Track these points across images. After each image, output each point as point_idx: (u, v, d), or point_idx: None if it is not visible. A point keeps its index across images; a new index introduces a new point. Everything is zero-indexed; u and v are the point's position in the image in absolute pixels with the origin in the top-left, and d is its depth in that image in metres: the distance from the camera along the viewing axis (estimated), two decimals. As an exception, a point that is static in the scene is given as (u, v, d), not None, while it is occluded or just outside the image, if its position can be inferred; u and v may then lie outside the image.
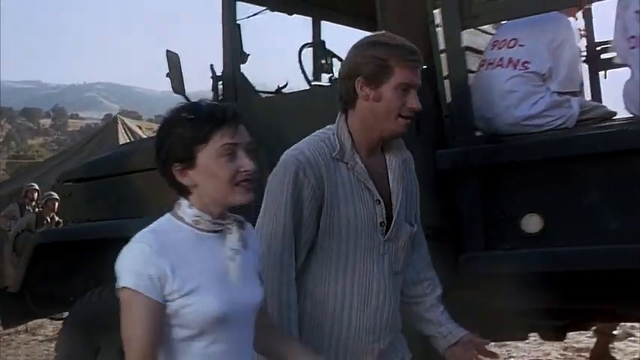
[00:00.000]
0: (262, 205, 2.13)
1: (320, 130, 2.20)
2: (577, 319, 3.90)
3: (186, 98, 3.98)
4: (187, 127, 1.72)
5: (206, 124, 1.72)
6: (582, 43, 3.82)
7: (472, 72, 3.34)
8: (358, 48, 2.14)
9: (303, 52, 4.21)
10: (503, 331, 3.41)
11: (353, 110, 2.13)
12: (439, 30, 3.13)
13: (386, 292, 2.16)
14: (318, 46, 4.57)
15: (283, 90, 4.33)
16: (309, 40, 4.79)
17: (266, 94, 4.21)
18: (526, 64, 3.12)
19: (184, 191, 1.77)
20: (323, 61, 4.71)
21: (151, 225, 1.76)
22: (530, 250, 2.98)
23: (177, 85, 3.92)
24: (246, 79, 4.05)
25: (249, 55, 4.13)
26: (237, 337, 1.76)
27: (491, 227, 3.04)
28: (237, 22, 4.12)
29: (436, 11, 3.15)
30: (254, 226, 2.01)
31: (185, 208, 1.77)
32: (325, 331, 2.14)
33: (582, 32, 3.98)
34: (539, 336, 4.29)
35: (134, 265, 1.68)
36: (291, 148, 2.15)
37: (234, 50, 4.04)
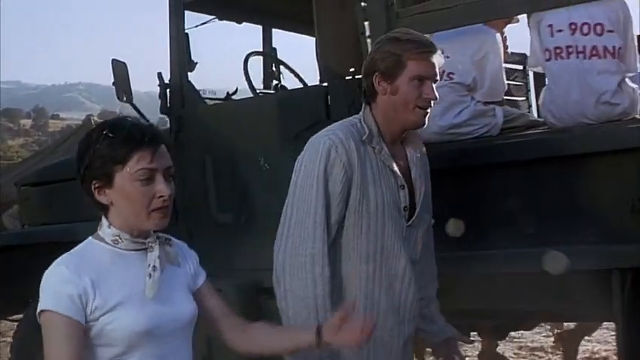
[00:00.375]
0: (292, 183, 2.27)
1: (346, 119, 2.32)
2: (515, 320, 4.05)
3: (134, 106, 4.10)
4: (106, 145, 1.70)
5: (124, 145, 1.70)
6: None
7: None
8: (375, 45, 2.31)
9: (250, 60, 4.30)
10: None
11: (375, 104, 2.25)
12: (369, 41, 3.26)
13: (406, 276, 2.25)
14: (267, 54, 4.68)
15: (234, 97, 4.44)
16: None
17: (212, 102, 4.32)
18: (451, 75, 3.27)
19: (103, 208, 1.76)
20: (274, 69, 4.84)
21: (70, 251, 1.76)
22: (454, 254, 3.10)
23: (123, 94, 4.01)
24: (193, 87, 4.16)
25: (197, 63, 4.24)
26: (167, 352, 1.75)
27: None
28: (186, 31, 4.23)
29: (367, 23, 3.27)
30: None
31: (105, 228, 1.77)
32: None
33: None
34: (477, 334, 4.44)
35: (52, 286, 1.67)
36: (322, 131, 2.27)
37: (181, 59, 4.15)
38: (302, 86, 4.39)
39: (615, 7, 2.99)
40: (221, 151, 3.97)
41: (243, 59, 4.24)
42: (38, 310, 1.67)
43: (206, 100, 4.27)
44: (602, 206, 2.78)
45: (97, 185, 1.73)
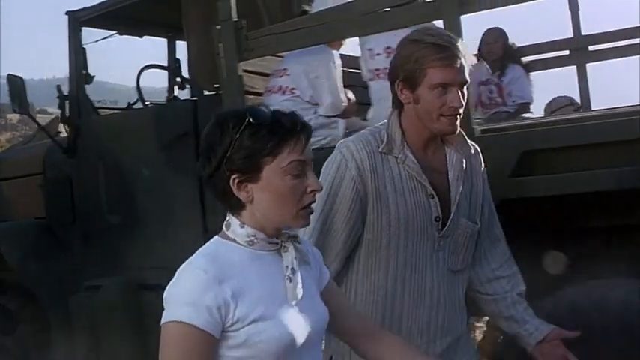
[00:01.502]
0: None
1: (375, 125, 2.17)
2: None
3: (31, 117, 4.43)
4: (249, 134, 1.50)
5: (273, 135, 1.50)
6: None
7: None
8: (398, 48, 2.10)
9: (144, 72, 4.63)
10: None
11: (403, 110, 2.09)
12: (223, 61, 3.59)
13: (441, 289, 2.10)
14: (161, 66, 4.99)
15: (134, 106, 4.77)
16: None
17: (106, 113, 4.65)
18: (293, 90, 3.59)
19: (236, 206, 1.56)
20: (178, 79, 5.15)
21: (200, 249, 1.56)
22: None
23: (21, 107, 4.33)
24: (89, 99, 4.50)
25: (94, 76, 4.58)
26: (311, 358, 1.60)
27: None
28: (83, 46, 4.56)
29: (221, 45, 3.60)
30: None
31: (236, 228, 1.56)
32: (378, 323, 2.04)
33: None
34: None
35: (189, 294, 1.44)
36: (341, 141, 2.15)
37: (79, 72, 4.48)
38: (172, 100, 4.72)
39: None
40: (111, 158, 4.30)
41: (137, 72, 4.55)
42: (168, 319, 1.44)
43: (101, 111, 4.60)
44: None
45: (238, 179, 1.51)
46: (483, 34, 4.90)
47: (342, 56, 3.79)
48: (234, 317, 1.46)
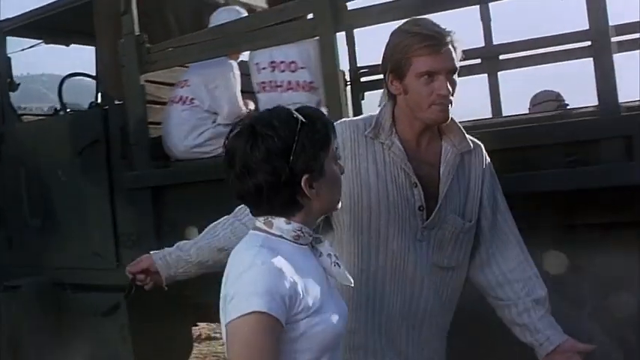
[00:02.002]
0: None
1: (370, 113, 2.19)
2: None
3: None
4: (306, 133, 1.54)
5: (325, 128, 1.59)
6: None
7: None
8: (388, 40, 2.07)
9: (66, 81, 4.80)
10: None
11: (395, 102, 2.08)
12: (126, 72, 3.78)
13: (424, 281, 2.08)
14: (83, 74, 5.15)
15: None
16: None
17: (29, 120, 4.82)
18: (193, 101, 3.78)
19: (294, 209, 1.58)
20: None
21: (252, 246, 1.55)
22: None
23: None
24: (12, 106, 4.67)
25: (19, 84, 4.75)
26: (337, 355, 1.62)
27: (162, 237, 3.70)
28: (9, 55, 4.73)
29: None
30: None
31: (281, 225, 1.58)
32: (361, 306, 2.08)
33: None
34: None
35: (264, 285, 1.44)
36: None
37: (3, 80, 4.65)
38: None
39: (307, 47, 3.48)
40: (32, 163, 4.47)
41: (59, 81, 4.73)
42: (244, 312, 1.42)
43: (25, 118, 4.77)
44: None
45: (309, 179, 1.55)
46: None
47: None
48: (300, 307, 1.47)
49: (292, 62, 3.48)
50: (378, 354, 2.10)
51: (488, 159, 2.19)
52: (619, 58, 2.60)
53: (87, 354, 4.07)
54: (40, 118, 5.00)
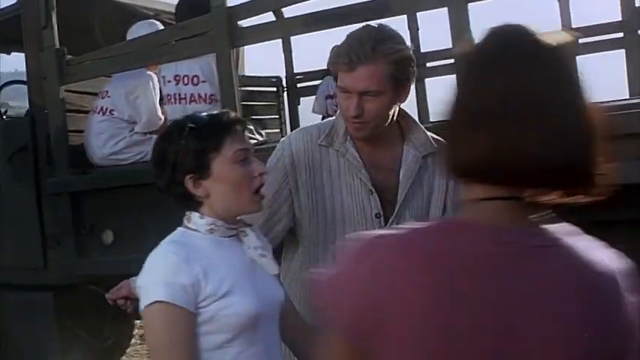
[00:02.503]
0: None
1: (326, 120, 2.18)
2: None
3: None
4: (193, 137, 1.64)
5: (215, 132, 1.66)
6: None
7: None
8: None
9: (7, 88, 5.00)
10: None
11: None
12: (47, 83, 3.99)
13: None
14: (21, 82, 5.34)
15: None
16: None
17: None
18: (112, 112, 3.99)
19: (194, 204, 1.69)
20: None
21: (166, 239, 1.67)
22: (107, 258, 3.87)
23: None
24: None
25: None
26: (269, 337, 1.69)
27: (81, 239, 3.92)
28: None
29: (48, 69, 3.99)
30: None
31: (196, 220, 1.69)
32: None
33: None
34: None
35: (164, 276, 1.57)
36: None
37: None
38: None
39: (208, 62, 3.69)
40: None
41: None
42: (148, 301, 1.56)
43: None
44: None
45: (192, 178, 1.65)
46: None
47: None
48: (205, 294, 1.57)
49: (195, 76, 3.71)
50: None
51: None
52: None
53: (16, 352, 4.29)
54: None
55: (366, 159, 2.01)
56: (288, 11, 3.72)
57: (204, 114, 1.72)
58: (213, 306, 1.58)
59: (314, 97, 5.84)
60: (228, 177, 1.65)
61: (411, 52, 1.94)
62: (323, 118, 5.45)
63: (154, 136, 4.02)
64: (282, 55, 5.94)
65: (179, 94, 3.77)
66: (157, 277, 1.57)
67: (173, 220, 1.82)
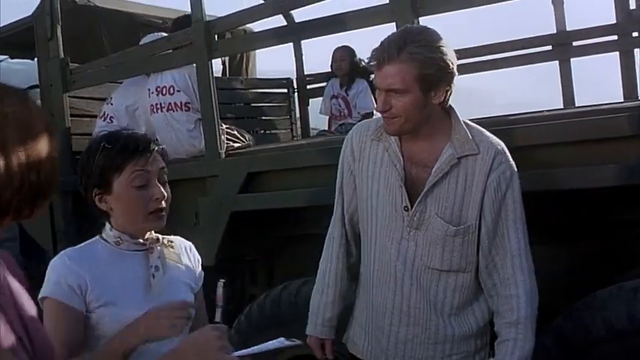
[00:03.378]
0: None
1: None
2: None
3: None
4: (104, 155, 1.78)
5: (120, 154, 1.78)
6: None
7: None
8: None
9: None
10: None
11: None
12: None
13: (412, 280, 2.11)
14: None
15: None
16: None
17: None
18: (112, 119, 4.27)
19: (104, 215, 1.85)
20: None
21: (76, 246, 1.85)
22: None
23: None
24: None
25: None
26: (160, 349, 1.68)
27: (83, 235, 4.20)
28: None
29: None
30: None
31: (107, 231, 1.84)
32: (361, 300, 2.28)
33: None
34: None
35: (54, 275, 1.75)
36: None
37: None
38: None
39: (184, 72, 3.91)
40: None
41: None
42: (40, 296, 1.73)
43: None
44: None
45: (97, 193, 1.81)
46: (334, 53, 5.49)
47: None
48: (90, 299, 1.73)
49: (171, 86, 3.93)
50: (367, 346, 2.25)
51: (508, 167, 2.09)
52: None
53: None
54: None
55: (406, 154, 2.12)
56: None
57: (125, 134, 1.84)
58: (96, 312, 1.74)
59: (320, 98, 6.02)
60: (123, 198, 1.79)
61: (447, 56, 1.99)
62: (329, 119, 5.66)
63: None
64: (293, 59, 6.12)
65: (160, 104, 3.97)
66: (50, 277, 1.76)
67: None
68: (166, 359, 1.63)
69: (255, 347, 1.71)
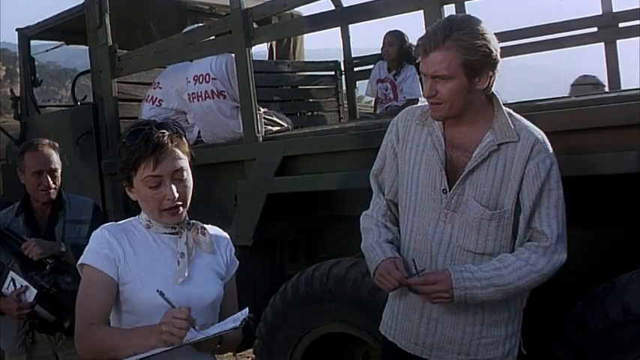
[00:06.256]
0: None
1: None
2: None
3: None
4: (124, 151, 1.89)
5: (133, 154, 1.86)
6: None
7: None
8: None
9: (80, 77, 5.59)
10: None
11: None
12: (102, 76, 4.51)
13: (445, 260, 2.17)
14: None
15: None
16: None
17: (46, 112, 5.64)
18: (160, 101, 4.44)
19: (134, 202, 1.97)
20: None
21: (119, 222, 1.98)
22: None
23: None
24: (34, 100, 5.49)
25: (42, 80, 5.58)
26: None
27: (129, 212, 4.36)
28: (33, 55, 5.55)
29: (104, 64, 4.50)
30: None
31: (142, 214, 1.97)
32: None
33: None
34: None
35: (93, 244, 1.89)
36: None
37: (27, 78, 5.48)
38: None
39: (219, 61, 4.02)
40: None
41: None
42: (78, 262, 1.90)
43: (44, 110, 5.58)
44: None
45: (125, 184, 1.95)
46: (384, 37, 5.53)
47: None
48: (121, 272, 1.86)
49: (207, 74, 4.04)
50: (398, 324, 2.33)
51: (547, 156, 2.12)
52: None
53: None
54: (55, 110, 5.78)
55: (448, 138, 2.19)
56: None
57: (144, 129, 1.89)
58: (124, 287, 1.87)
59: (366, 80, 6.05)
60: (140, 194, 1.91)
61: (490, 43, 2.05)
62: (375, 102, 5.71)
63: (196, 125, 4.44)
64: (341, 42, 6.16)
65: (197, 93, 4.10)
66: (90, 246, 1.91)
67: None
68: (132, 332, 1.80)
69: (211, 327, 1.82)
